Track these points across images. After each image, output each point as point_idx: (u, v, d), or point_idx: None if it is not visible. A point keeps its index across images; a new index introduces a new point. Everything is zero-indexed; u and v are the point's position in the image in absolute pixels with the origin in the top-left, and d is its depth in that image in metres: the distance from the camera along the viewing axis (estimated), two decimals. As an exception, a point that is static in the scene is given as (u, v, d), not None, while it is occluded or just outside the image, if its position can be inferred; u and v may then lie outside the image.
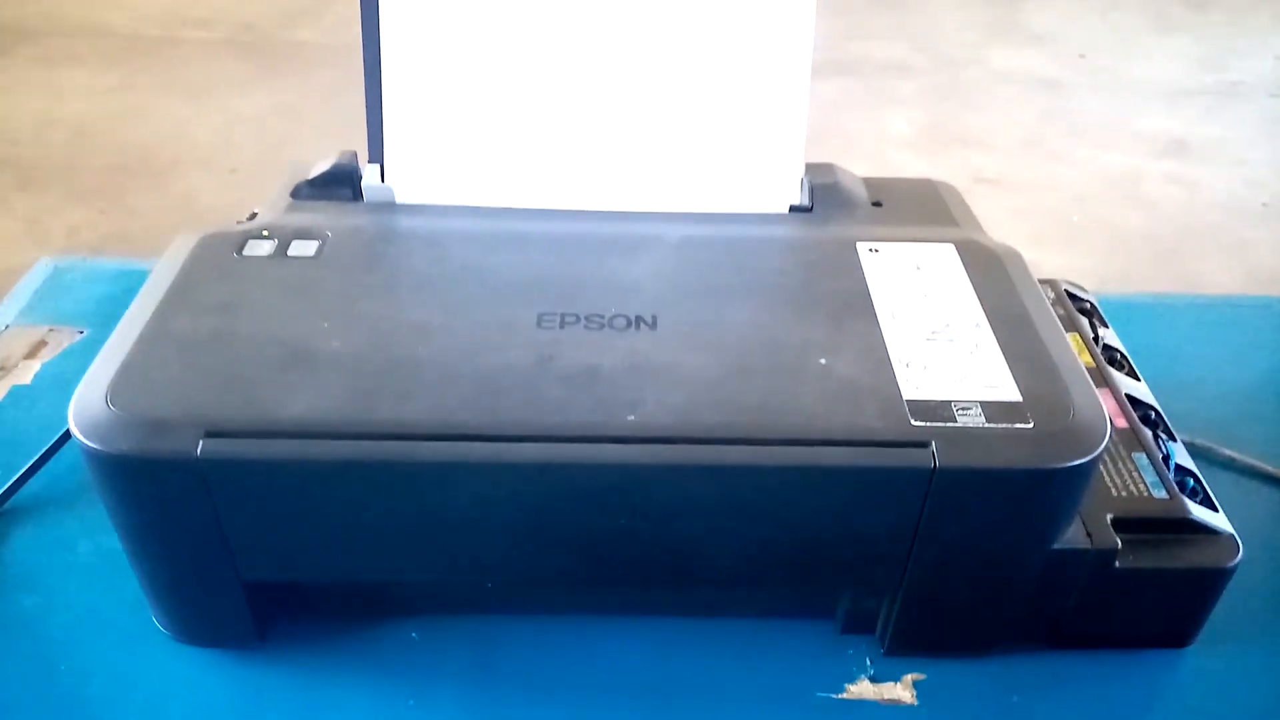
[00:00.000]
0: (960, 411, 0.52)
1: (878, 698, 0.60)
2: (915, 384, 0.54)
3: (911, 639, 0.60)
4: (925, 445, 0.51)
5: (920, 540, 0.53)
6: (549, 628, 0.62)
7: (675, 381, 0.53)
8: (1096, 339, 0.72)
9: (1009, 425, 0.52)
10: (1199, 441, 0.73)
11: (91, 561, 0.65)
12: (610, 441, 0.50)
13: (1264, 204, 2.66)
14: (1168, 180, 2.74)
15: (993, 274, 0.63)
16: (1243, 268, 2.41)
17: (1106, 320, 0.75)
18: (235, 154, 2.68)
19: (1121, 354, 0.72)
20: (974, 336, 0.58)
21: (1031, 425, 0.52)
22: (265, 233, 0.64)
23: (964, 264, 0.64)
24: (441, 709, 0.58)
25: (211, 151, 2.69)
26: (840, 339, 0.57)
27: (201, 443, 0.49)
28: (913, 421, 0.52)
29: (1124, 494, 0.59)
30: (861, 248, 0.65)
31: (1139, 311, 0.91)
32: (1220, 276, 2.38)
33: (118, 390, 0.52)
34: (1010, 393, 0.54)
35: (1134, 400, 0.67)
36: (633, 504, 0.52)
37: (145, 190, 2.53)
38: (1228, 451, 0.74)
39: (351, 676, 0.60)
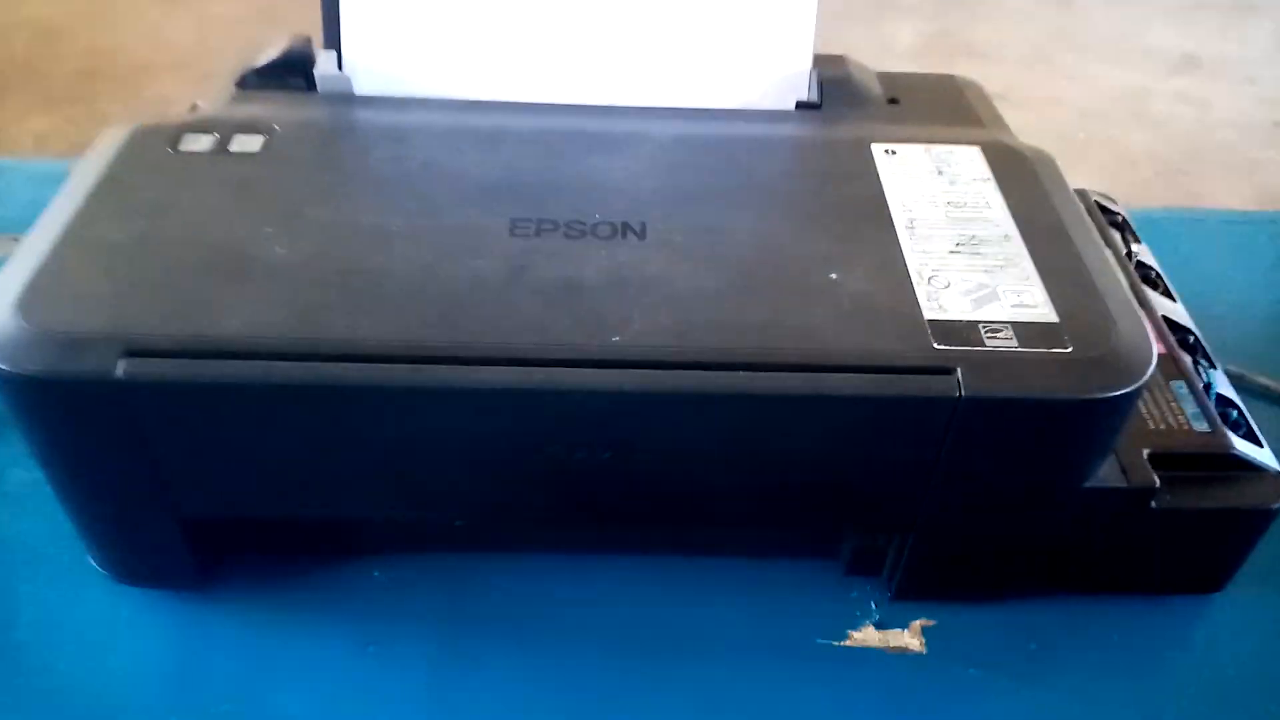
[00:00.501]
0: (989, 334, 0.46)
1: (883, 645, 0.55)
2: (938, 302, 0.47)
3: (922, 582, 0.55)
4: (949, 372, 0.44)
5: (939, 476, 0.48)
6: (526, 567, 0.57)
7: (666, 298, 0.47)
8: (1129, 255, 0.66)
9: (1044, 350, 0.46)
10: (1233, 369, 0.67)
11: (21, 492, 0.59)
12: (592, 366, 0.44)
13: (1275, 123, 2.57)
14: (1177, 98, 2.65)
15: (1023, 180, 0.56)
16: (1252, 189, 2.34)
17: (1139, 235, 0.69)
18: (211, 58, 2.54)
19: (1156, 272, 0.65)
20: (1004, 250, 0.51)
21: (1069, 350, 0.46)
22: (205, 125, 0.57)
23: (991, 168, 0.57)
24: (406, 656, 0.53)
25: (186, 55, 2.56)
26: (853, 251, 0.50)
27: (121, 362, 0.43)
28: (935, 345, 0.45)
29: (1162, 426, 0.53)
30: (876, 149, 0.58)
31: (1167, 227, 0.84)
32: (1229, 198, 2.31)
33: (29, 302, 0.45)
34: (1045, 313, 0.47)
35: (1170, 323, 0.61)
36: (617, 436, 0.46)
37: (116, 96, 2.41)
38: (1264, 380, 0.69)
39: (307, 620, 0.54)
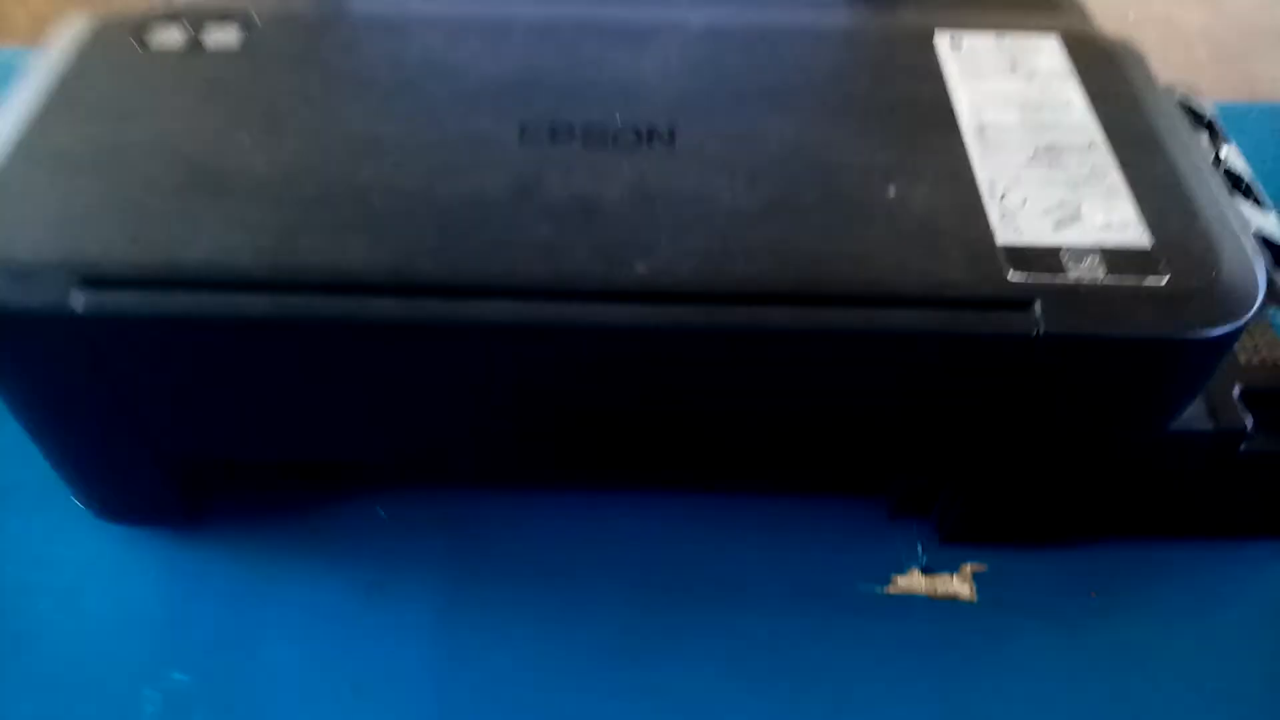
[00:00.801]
0: (1072, 261, 0.40)
1: (929, 592, 0.50)
2: (1013, 223, 0.41)
3: (977, 526, 0.50)
4: (1026, 306, 0.39)
5: (1008, 419, 0.42)
6: (541, 504, 0.53)
7: (698, 219, 0.41)
8: (1217, 161, 0.58)
9: (1136, 280, 0.39)
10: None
11: (-3, 422, 0.55)
12: (612, 300, 0.38)
13: (1345, 1, 2.40)
14: (1239, -27, 2.47)
15: (1110, 78, 0.49)
16: (1317, 75, 2.20)
17: (1228, 136, 0.61)
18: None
19: (1247, 181, 0.58)
20: (1088, 160, 0.44)
21: (1165, 281, 0.39)
22: (178, 17, 0.50)
23: (1073, 63, 0.49)
24: (412, 602, 0.49)
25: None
26: (914, 162, 0.43)
27: (78, 294, 0.38)
28: (1010, 274, 0.39)
29: (1255, 361, 0.47)
30: (940, 41, 0.50)
31: (1251, 123, 0.76)
32: (1295, 86, 2.17)
33: (-27, 223, 0.40)
34: (1138, 236, 0.41)
35: (1264, 241, 0.54)
36: (641, 380, 0.41)
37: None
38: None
39: (305, 562, 0.50)
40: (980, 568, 0.51)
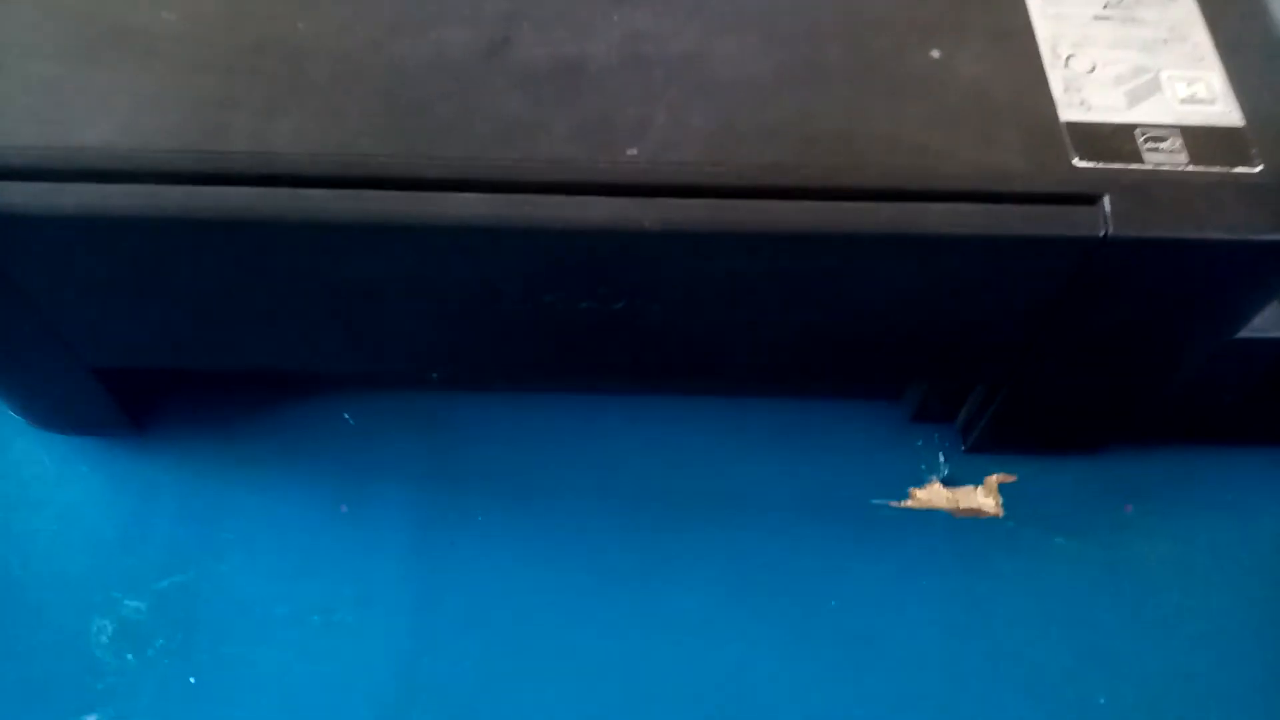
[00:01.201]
0: (1148, 144, 0.33)
1: (951, 507, 0.46)
2: (1079, 95, 0.34)
3: (1009, 433, 0.45)
4: (1093, 201, 0.32)
5: (1060, 324, 0.37)
6: (524, 407, 0.48)
7: (701, 89, 0.34)
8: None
9: (1223, 167, 0.33)
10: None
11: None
12: (598, 192, 0.32)
13: None
14: None
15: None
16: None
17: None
18: None
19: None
20: (1168, 15, 0.37)
21: (1258, 169, 0.33)
22: None
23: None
24: (384, 517, 0.45)
25: None
26: (962, 18, 0.36)
27: (-43, 187, 0.31)
28: (1075, 160, 0.33)
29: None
30: None
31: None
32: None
33: None
34: (1226, 112, 0.34)
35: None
36: (634, 283, 0.35)
37: None
38: None
39: (266, 473, 0.46)
40: (1008, 478, 0.47)
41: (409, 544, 0.44)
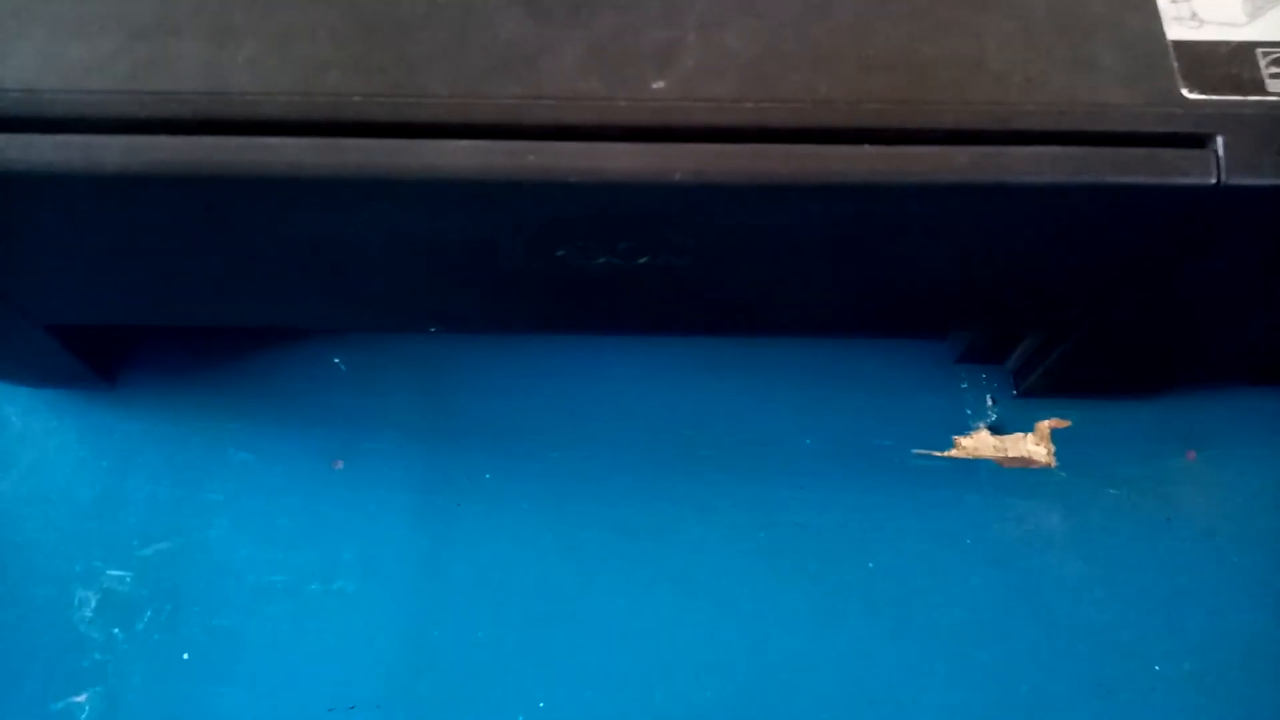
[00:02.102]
0: (1273, 68, 0.28)
1: (999, 456, 0.42)
2: (1189, 5, 0.29)
3: (1069, 378, 0.41)
4: (1203, 143, 0.27)
5: (1147, 274, 0.32)
6: (532, 350, 0.43)
7: (739, 7, 0.28)
8: None
9: (1361, 97, 0.28)
10: None
11: None
12: (618, 137, 0.27)
13: None
14: None
15: None
16: None
17: None
18: None
19: None
20: (1299, -99, 0.31)
21: (1404, 98, 0.28)
22: None
23: None
24: (383, 473, 0.41)
25: None
26: (1050, -92, 0.30)
27: None
28: (1184, 91, 0.28)
29: None
30: None
31: None
32: None
33: None
34: (1368, 27, 0.29)
35: None
36: (659, 238, 0.30)
37: None
38: None
39: (254, 427, 0.42)
40: (1062, 423, 0.43)
41: (411, 503, 0.41)
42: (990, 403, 0.43)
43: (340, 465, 0.41)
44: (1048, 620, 0.39)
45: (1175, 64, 0.28)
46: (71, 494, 0.40)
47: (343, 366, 0.43)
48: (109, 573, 0.39)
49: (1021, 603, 0.40)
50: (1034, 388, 0.42)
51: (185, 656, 0.38)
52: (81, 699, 0.37)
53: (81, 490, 0.41)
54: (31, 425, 0.41)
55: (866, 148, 0.27)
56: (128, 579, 0.39)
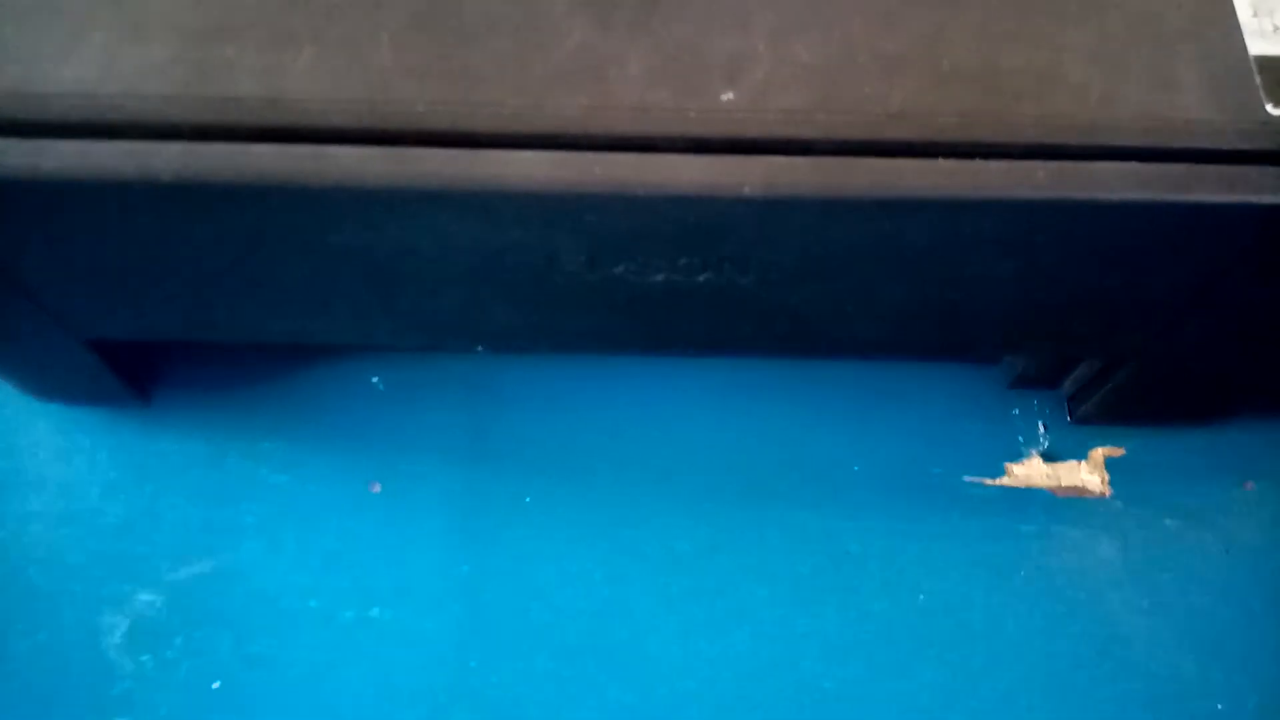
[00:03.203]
0: (1358, 83, 0.27)
1: (1052, 484, 0.41)
2: (1272, 20, 0.28)
3: (1123, 404, 0.40)
4: (1284, 159, 0.26)
5: (1217, 296, 0.31)
6: (578, 372, 0.42)
7: (814, 9, 0.28)
8: None
9: None
10: None
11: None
12: (685, 149, 0.26)
13: None
14: None
15: None
16: None
17: None
18: None
19: None
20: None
21: None
22: None
23: None
24: (422, 495, 0.40)
25: None
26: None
27: (-96, 144, 0.26)
28: (1270, 108, 0.27)
29: None
30: None
31: None
32: None
33: None
34: None
35: None
36: (722, 254, 0.29)
37: None
38: None
39: (289, 446, 0.41)
40: (1115, 452, 0.42)
41: (450, 527, 0.40)
42: (1043, 429, 0.42)
43: (378, 488, 0.40)
44: (1105, 655, 0.38)
45: (1258, 79, 0.27)
46: (102, 514, 0.39)
47: (381, 386, 0.42)
48: (139, 597, 0.38)
49: (1077, 637, 0.38)
50: (1089, 415, 0.41)
51: (216, 685, 0.37)
52: (110, 728, 0.36)
53: (112, 511, 0.39)
54: (63, 444, 0.40)
55: (940, 161, 0.26)
56: (158, 603, 0.38)
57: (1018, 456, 0.41)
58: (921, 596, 0.39)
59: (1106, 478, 0.41)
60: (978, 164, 0.26)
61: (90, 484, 0.40)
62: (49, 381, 0.39)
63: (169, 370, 0.42)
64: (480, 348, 0.37)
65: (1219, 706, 0.37)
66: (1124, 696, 0.37)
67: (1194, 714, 0.37)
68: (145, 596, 0.38)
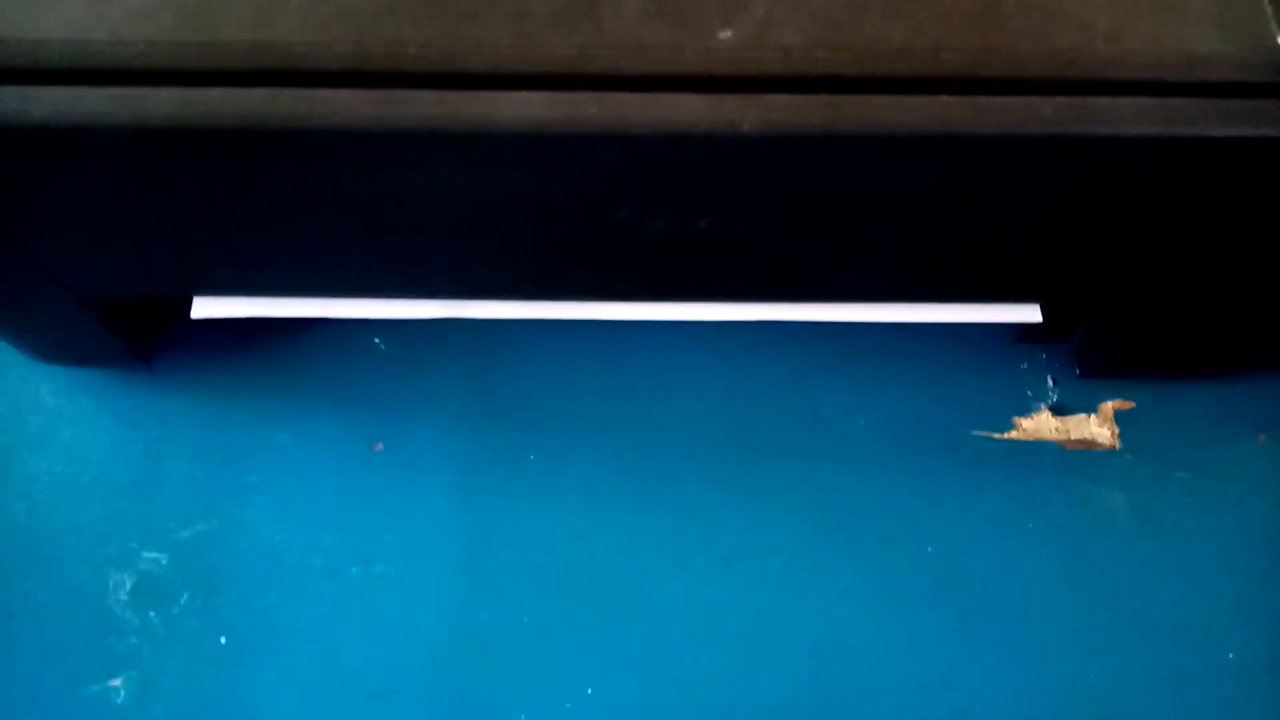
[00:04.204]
0: (1374, 14, 0.26)
1: (1061, 438, 0.41)
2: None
3: (1132, 357, 0.40)
4: (1304, 90, 0.26)
5: (1231, 239, 0.31)
6: (578, 330, 0.42)
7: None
8: None
9: None
10: None
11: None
12: (683, 87, 0.26)
13: None
14: None
15: None
16: None
17: None
18: None
19: None
20: None
21: None
22: None
23: None
24: (425, 454, 0.40)
25: None
26: None
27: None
28: (1281, 38, 0.26)
29: None
30: None
31: None
32: None
33: None
34: None
35: None
36: (724, 199, 0.29)
37: None
38: None
39: (292, 407, 0.41)
40: (1125, 405, 0.41)
41: (454, 485, 0.40)
42: (1051, 383, 0.42)
43: (380, 447, 0.40)
44: (1116, 606, 0.38)
45: (1269, 9, 0.26)
46: (108, 475, 0.39)
47: (383, 347, 0.42)
48: (145, 555, 0.38)
49: (1088, 588, 0.38)
50: (1097, 368, 0.41)
51: (222, 640, 0.37)
52: (117, 683, 0.36)
53: (118, 472, 0.40)
54: (68, 406, 0.41)
55: (943, 98, 0.26)
56: (164, 561, 0.38)
57: (1026, 410, 0.41)
58: (930, 548, 0.39)
59: (1116, 431, 0.41)
60: (981, 100, 0.25)
61: (95, 445, 0.40)
62: (51, 344, 0.39)
63: (170, 333, 0.41)
64: (482, 296, 0.37)
65: (1230, 655, 0.37)
66: (1134, 647, 0.37)
67: (1205, 663, 0.37)
68: (151, 554, 0.38)
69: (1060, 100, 0.25)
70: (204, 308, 0.36)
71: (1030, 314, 0.36)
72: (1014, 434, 0.41)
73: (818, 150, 0.26)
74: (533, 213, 0.29)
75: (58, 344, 0.39)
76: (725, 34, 0.26)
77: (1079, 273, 0.33)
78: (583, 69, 0.26)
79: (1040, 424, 0.41)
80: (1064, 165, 0.27)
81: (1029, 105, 0.25)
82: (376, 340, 0.42)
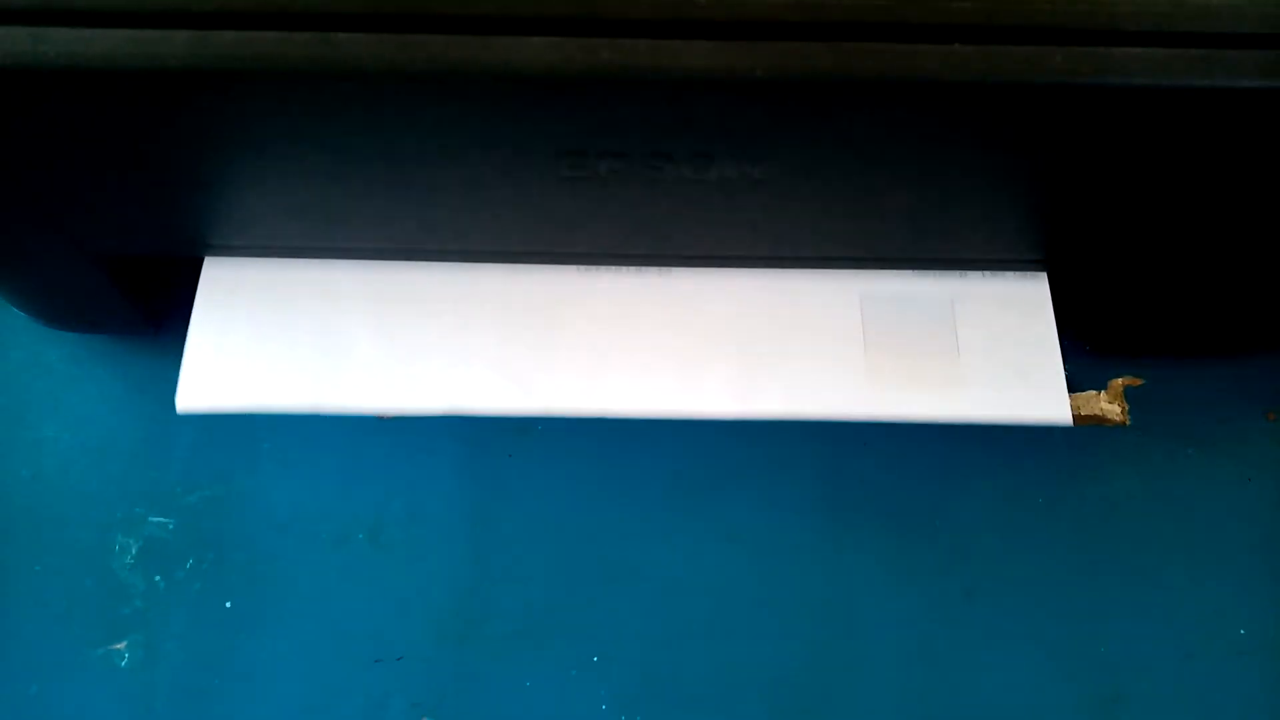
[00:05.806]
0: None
1: (1071, 413, 0.40)
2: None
3: (1148, 333, 0.39)
4: (1317, 41, 0.26)
5: (1246, 203, 0.31)
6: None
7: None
8: None
9: None
10: None
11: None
12: (694, 33, 0.26)
13: None
14: None
15: None
16: None
17: None
18: None
19: None
20: None
21: None
22: None
23: None
24: (433, 423, 0.40)
25: None
26: None
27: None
28: (1294, -11, 0.26)
29: None
30: None
31: None
32: None
33: None
34: None
35: None
36: (734, 145, 0.29)
37: None
38: None
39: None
40: (1135, 381, 0.41)
41: (461, 453, 0.39)
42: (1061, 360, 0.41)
43: (388, 419, 0.40)
44: (1124, 582, 0.38)
45: (1284, -41, 0.26)
46: (115, 440, 0.40)
47: (391, 316, 0.42)
48: (151, 519, 0.38)
49: (1098, 564, 0.38)
50: (1107, 344, 0.40)
51: (228, 605, 0.37)
52: (121, 646, 0.36)
53: (125, 436, 0.40)
54: (75, 371, 0.41)
55: (956, 46, 0.26)
56: (170, 526, 0.38)
57: (1035, 386, 0.41)
58: (938, 523, 0.39)
59: (1126, 407, 0.40)
60: (993, 48, 0.25)
61: (102, 411, 0.40)
62: (60, 307, 0.39)
63: (178, 298, 0.41)
64: (487, 259, 0.37)
65: (1241, 632, 0.37)
66: (1144, 624, 0.37)
67: (1216, 641, 0.37)
68: (157, 519, 0.38)
69: (1073, 49, 0.25)
70: (215, 269, 0.36)
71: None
72: (1023, 409, 0.40)
73: (831, 97, 0.26)
74: (535, 164, 0.29)
75: (66, 307, 0.39)
76: (724, -14, 0.26)
77: (1087, 232, 0.33)
78: (594, 13, 0.26)
79: (1050, 400, 0.40)
80: (1074, 117, 0.27)
81: (1040, 54, 0.25)
82: (385, 311, 0.42)
